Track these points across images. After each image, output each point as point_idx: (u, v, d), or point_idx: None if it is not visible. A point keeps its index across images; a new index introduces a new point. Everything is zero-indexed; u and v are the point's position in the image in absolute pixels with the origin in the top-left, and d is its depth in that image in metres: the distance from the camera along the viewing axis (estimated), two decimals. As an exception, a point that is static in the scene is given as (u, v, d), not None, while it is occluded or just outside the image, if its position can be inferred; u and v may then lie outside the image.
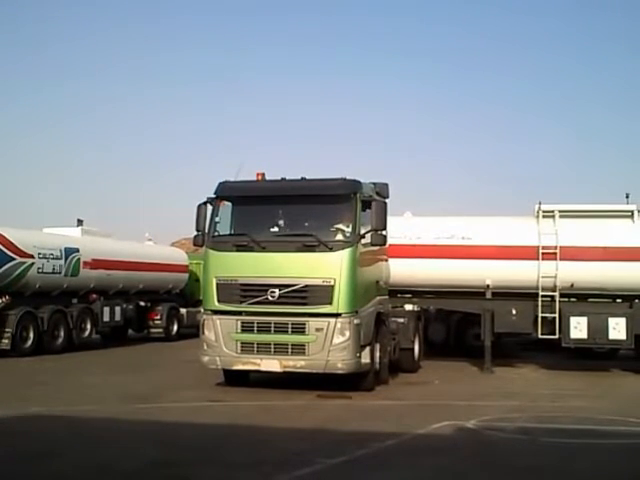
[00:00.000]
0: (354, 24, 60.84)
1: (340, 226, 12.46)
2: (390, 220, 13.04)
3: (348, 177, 12.59)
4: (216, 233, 12.80)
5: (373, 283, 13.23)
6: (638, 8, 52.86)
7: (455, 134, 64.38)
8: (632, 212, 15.89)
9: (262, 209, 13.32)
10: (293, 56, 65.05)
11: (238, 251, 12.46)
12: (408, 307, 16.16)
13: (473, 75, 61.25)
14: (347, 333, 11.81)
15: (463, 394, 12.71)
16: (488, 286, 15.92)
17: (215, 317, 12.37)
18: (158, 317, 23.90)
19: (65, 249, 19.39)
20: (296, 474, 7.09)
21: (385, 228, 12.47)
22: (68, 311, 19.43)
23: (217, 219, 12.86)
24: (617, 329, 15.42)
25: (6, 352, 17.38)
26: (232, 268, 12.40)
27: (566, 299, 16.03)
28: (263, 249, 12.29)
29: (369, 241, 12.38)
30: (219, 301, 12.37)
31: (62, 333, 19.11)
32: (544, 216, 16.05)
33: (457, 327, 18.97)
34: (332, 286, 11.83)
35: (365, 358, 12.19)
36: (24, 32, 55.19)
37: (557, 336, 15.74)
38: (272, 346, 12.08)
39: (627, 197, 16.85)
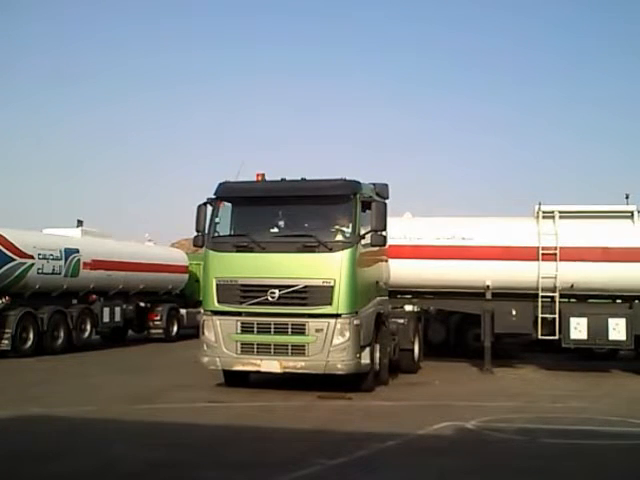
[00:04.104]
0: (354, 25, 60.89)
1: (340, 227, 12.45)
2: (390, 221, 13.04)
3: (348, 178, 12.59)
4: (216, 234, 12.79)
5: (373, 284, 13.23)
6: (637, 9, 52.90)
7: (455, 134, 64.41)
8: (632, 213, 15.88)
9: (262, 210, 13.31)
10: (293, 56, 65.07)
11: (238, 252, 12.45)
12: (408, 308, 16.16)
13: (473, 75, 61.33)
14: (347, 334, 11.80)
15: (463, 395, 12.71)
16: (488, 287, 15.91)
17: (215, 318, 12.36)
18: (158, 318, 23.89)
19: (65, 250, 19.37)
20: (296, 475, 7.09)
21: (385, 229, 12.46)
22: (68, 312, 19.42)
23: (217, 220, 12.85)
24: (617, 330, 15.41)
25: (6, 353, 17.38)
26: (232, 269, 12.39)
27: (566, 300, 16.04)
28: (263, 250, 12.28)
29: (369, 242, 12.37)
30: (219, 302, 12.36)
31: (62, 334, 19.09)
32: (544, 217, 16.04)
33: (457, 328, 18.98)
34: (332, 287, 11.83)
35: (365, 359, 12.18)
36: (25, 32, 55.20)
37: (557, 337, 15.73)
38: (272, 347, 12.07)
39: (627, 198, 16.89)
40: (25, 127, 59.46)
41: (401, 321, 15.10)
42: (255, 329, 12.19)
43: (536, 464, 7.74)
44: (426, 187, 57.17)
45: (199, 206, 12.72)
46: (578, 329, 15.57)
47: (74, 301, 20.07)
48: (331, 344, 11.78)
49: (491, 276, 15.79)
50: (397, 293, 15.83)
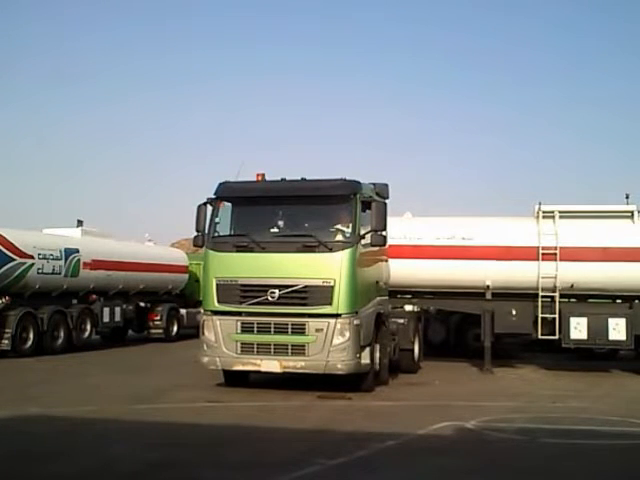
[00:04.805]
0: (354, 25, 60.89)
1: (340, 227, 12.44)
2: (390, 221, 13.03)
3: (348, 177, 12.59)
4: (216, 234, 12.79)
5: (373, 284, 13.22)
6: (637, 9, 52.93)
7: (455, 134, 64.40)
8: (632, 213, 15.87)
9: (262, 210, 13.31)
10: (293, 56, 65.07)
11: (238, 252, 12.45)
12: (408, 308, 16.15)
13: (472, 75, 61.33)
14: (347, 334, 11.79)
15: (463, 395, 12.71)
16: (488, 287, 15.91)
17: (215, 318, 12.36)
18: (158, 318, 23.88)
19: (65, 250, 19.36)
20: (296, 475, 7.09)
21: (385, 229, 12.46)
22: (68, 312, 19.40)
23: (217, 220, 12.85)
24: (617, 330, 15.41)
25: (6, 353, 17.38)
26: (232, 269, 12.39)
27: (566, 300, 16.03)
28: (263, 250, 12.28)
29: (369, 242, 12.37)
30: (219, 302, 12.35)
31: (62, 334, 19.08)
32: (544, 217, 16.04)
33: (457, 328, 18.98)
34: (332, 287, 11.82)
35: (365, 359, 12.17)
36: (25, 32, 55.21)
37: (557, 337, 15.73)
38: (272, 347, 12.07)
39: (627, 197, 16.86)
40: (25, 127, 59.54)
41: (401, 321, 15.10)
42: (255, 329, 12.19)
43: (536, 464, 7.75)
44: (426, 187, 57.23)
45: (199, 206, 12.72)
46: (578, 329, 15.57)
47: (74, 301, 20.06)
48: (331, 344, 11.77)
49: (491, 276, 15.78)
50: (397, 293, 15.82)
